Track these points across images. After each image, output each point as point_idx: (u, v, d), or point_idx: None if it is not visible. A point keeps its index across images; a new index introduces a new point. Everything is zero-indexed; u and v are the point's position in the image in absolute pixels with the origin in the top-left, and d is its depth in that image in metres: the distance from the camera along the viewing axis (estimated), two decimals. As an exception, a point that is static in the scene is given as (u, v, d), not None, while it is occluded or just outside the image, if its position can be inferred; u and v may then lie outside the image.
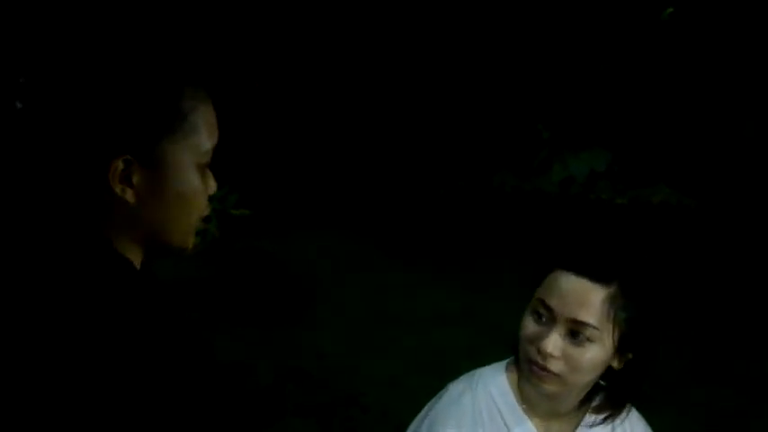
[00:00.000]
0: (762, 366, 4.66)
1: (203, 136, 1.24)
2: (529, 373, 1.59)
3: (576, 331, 1.53)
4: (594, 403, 1.68)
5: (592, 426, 1.68)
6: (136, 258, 1.25)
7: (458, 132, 7.18)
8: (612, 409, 1.67)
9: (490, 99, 7.20)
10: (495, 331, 2.64)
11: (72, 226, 1.21)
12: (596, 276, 1.54)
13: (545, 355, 1.54)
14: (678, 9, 6.86)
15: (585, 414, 1.69)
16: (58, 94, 1.20)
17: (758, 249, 5.97)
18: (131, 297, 1.17)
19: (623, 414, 1.69)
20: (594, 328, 1.53)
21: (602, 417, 1.67)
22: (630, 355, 1.60)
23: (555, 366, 1.54)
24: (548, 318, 1.56)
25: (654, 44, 6.97)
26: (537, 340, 1.56)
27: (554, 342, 1.54)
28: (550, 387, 1.57)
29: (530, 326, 1.58)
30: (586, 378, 1.58)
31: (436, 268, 5.62)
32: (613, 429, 1.70)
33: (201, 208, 1.27)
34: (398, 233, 6.09)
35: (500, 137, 7.19)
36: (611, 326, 1.54)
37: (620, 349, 1.57)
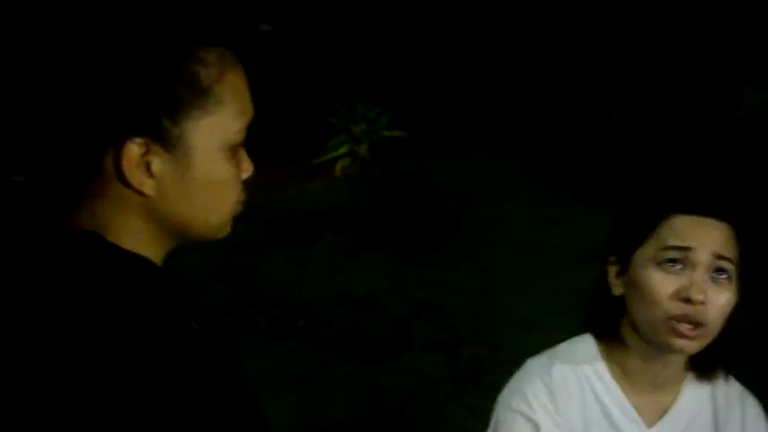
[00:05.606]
0: None
1: (232, 111, 1.04)
2: (670, 334, 1.43)
3: (719, 269, 1.44)
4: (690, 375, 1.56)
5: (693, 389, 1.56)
6: (159, 253, 1.08)
7: (638, 52, 6.66)
8: (710, 367, 1.54)
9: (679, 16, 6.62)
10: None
11: (66, 229, 1.05)
12: (720, 214, 1.46)
13: (697, 304, 1.41)
14: None
15: (683, 384, 1.56)
16: (55, 71, 1.02)
17: None
18: (137, 305, 1.01)
19: (721, 379, 1.56)
20: (732, 263, 1.45)
21: (701, 380, 1.56)
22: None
23: (707, 316, 1.42)
24: (685, 263, 1.44)
25: None
26: (682, 292, 1.42)
27: (701, 287, 1.42)
28: (697, 344, 1.44)
29: (663, 280, 1.44)
30: (720, 326, 1.46)
31: (587, 198, 5.17)
32: (714, 394, 1.56)
33: (235, 195, 1.08)
34: (550, 157, 5.75)
35: (686, 57, 6.61)
36: (737, 265, 1.47)
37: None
